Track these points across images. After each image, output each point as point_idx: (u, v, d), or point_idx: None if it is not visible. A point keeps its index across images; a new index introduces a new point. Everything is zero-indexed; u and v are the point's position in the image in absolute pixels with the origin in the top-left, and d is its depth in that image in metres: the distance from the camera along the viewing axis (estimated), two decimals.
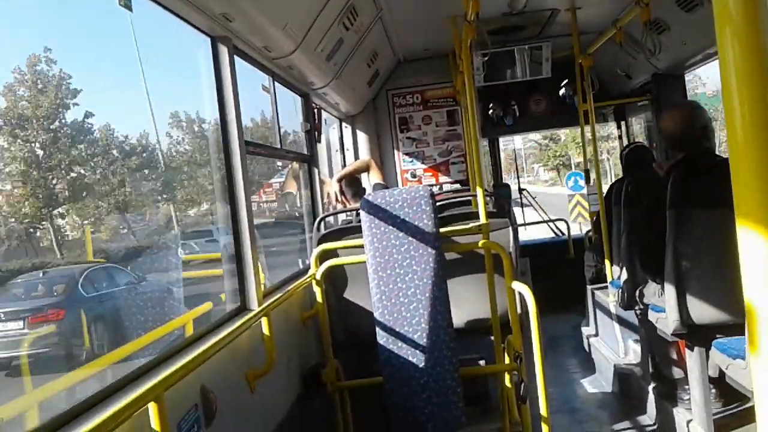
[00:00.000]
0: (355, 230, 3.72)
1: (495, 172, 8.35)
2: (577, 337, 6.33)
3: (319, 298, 3.58)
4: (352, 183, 4.90)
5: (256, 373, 2.75)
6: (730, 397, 3.60)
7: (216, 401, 2.31)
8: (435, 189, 6.63)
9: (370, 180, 5.14)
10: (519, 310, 3.43)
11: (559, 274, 7.00)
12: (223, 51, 3.13)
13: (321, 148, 5.48)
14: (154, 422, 1.79)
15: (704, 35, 5.04)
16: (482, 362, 3.66)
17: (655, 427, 4.19)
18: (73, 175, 16.67)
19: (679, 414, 3.77)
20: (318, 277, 3.58)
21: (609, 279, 5.34)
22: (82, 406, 1.83)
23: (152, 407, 1.79)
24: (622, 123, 8.11)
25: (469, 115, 3.90)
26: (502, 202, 4.19)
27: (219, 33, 3.10)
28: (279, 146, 4.41)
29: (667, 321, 3.38)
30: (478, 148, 4.17)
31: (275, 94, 4.30)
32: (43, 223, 15.74)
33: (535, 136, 36.85)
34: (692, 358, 3.43)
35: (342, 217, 5.03)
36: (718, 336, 3.23)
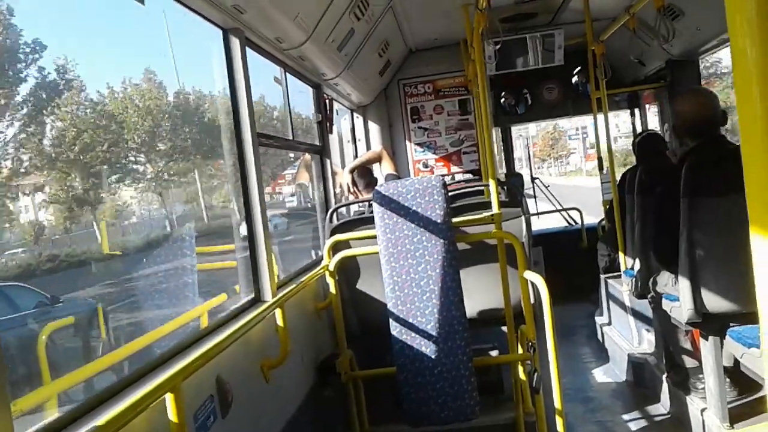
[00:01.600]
0: (367, 221, 3.73)
1: (507, 162, 8.31)
2: (590, 327, 6.32)
3: (332, 289, 3.59)
4: (364, 174, 4.90)
5: (270, 364, 2.77)
6: (744, 386, 3.58)
7: (231, 391, 2.33)
8: (447, 179, 6.62)
9: (382, 170, 5.14)
10: (532, 300, 3.43)
11: (573, 263, 6.98)
12: (235, 43, 3.14)
13: (333, 138, 5.49)
14: (171, 412, 1.81)
15: (718, 20, 4.99)
16: (495, 352, 3.67)
17: (669, 416, 4.18)
18: None
19: (693, 403, 3.77)
20: (331, 268, 3.59)
21: (622, 268, 5.32)
22: (101, 397, 1.86)
23: (169, 397, 1.81)
24: (636, 110, 8.05)
25: (481, 103, 3.88)
26: (514, 191, 4.18)
27: (231, 25, 3.11)
28: (291, 137, 4.43)
29: (680, 310, 3.36)
30: (491, 137, 4.16)
31: (287, 85, 4.31)
32: None
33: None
34: (706, 347, 3.42)
35: (354, 208, 5.03)
36: (732, 325, 3.22)
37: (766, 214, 0.88)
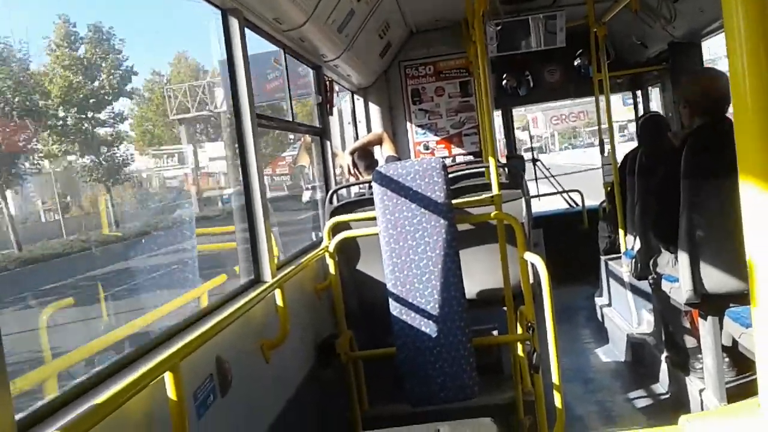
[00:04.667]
0: (367, 203, 3.73)
1: (508, 143, 8.29)
2: (590, 308, 6.34)
3: (332, 270, 3.60)
4: (364, 155, 4.89)
5: (270, 344, 2.78)
6: (742, 366, 3.61)
7: (231, 371, 2.35)
8: (448, 161, 6.61)
9: (382, 152, 5.13)
10: (531, 281, 3.44)
11: (573, 245, 6.99)
12: (234, 23, 3.12)
13: (333, 120, 5.47)
14: (171, 391, 1.83)
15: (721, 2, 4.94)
16: (495, 332, 3.69)
17: (668, 396, 4.21)
18: None
19: (692, 383, 3.79)
20: (331, 249, 3.60)
21: (623, 249, 5.33)
22: (100, 375, 1.87)
23: (168, 376, 1.82)
24: (638, 93, 8.01)
25: (482, 85, 3.87)
26: (514, 172, 4.17)
27: (229, 5, 3.09)
28: (291, 119, 4.41)
29: (680, 290, 3.38)
30: (491, 119, 4.14)
31: (287, 67, 4.29)
32: None
33: None
34: (705, 327, 3.44)
35: (355, 189, 5.04)
36: (731, 305, 3.23)
37: (755, 181, 0.90)
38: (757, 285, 0.94)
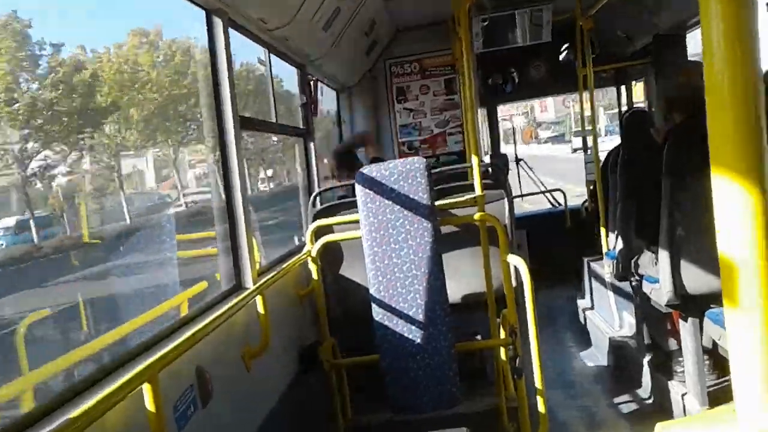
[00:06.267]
0: (350, 205, 3.70)
1: (493, 142, 8.27)
2: (573, 310, 6.34)
3: (314, 275, 3.56)
4: (347, 158, 4.86)
5: (251, 353, 2.75)
6: (724, 368, 3.61)
7: (212, 381, 2.32)
8: (431, 161, 6.58)
9: (366, 154, 5.10)
10: (514, 284, 3.42)
11: (556, 246, 6.99)
12: (218, 24, 3.07)
13: (317, 121, 5.42)
14: (149, 403, 1.79)
15: None
16: (479, 337, 3.67)
17: (650, 400, 4.21)
18: None
19: (674, 387, 3.80)
20: (314, 254, 3.56)
21: (604, 249, 5.32)
22: (74, 389, 1.84)
23: (147, 388, 1.79)
24: (623, 88, 8.00)
25: (466, 81, 3.83)
26: (498, 172, 4.15)
27: (214, 5, 3.04)
28: (274, 120, 4.37)
29: (660, 292, 3.37)
30: (474, 116, 4.11)
31: (271, 66, 4.25)
32: None
33: None
34: (686, 328, 3.44)
35: (340, 192, 5.00)
36: (711, 306, 3.23)
37: (728, 176, 0.92)
38: (731, 284, 0.94)
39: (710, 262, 3.07)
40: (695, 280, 3.19)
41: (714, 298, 3.20)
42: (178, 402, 2.10)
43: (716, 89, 0.94)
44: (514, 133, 12.93)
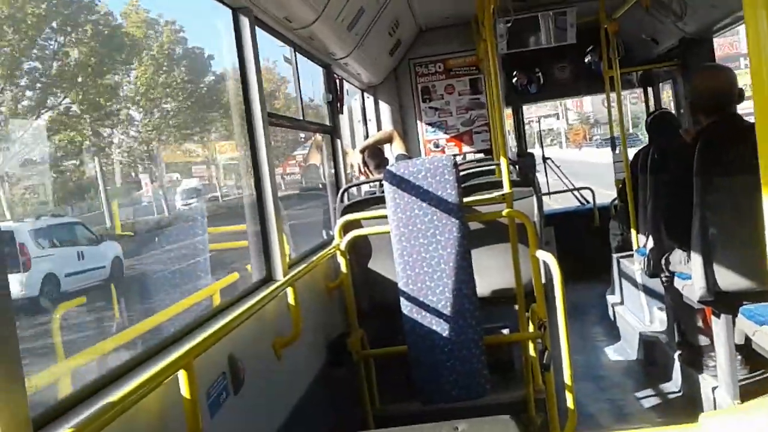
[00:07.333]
0: (378, 201, 3.73)
1: (519, 141, 8.26)
2: (602, 306, 6.32)
3: (343, 268, 3.60)
4: (375, 154, 4.89)
5: (282, 342, 2.79)
6: (756, 363, 3.58)
7: (243, 369, 2.35)
8: (458, 159, 6.59)
9: (392, 151, 5.13)
10: (543, 279, 3.43)
11: (585, 243, 6.96)
12: (245, 22, 3.13)
13: (343, 119, 5.47)
14: (184, 389, 1.84)
15: None
16: (506, 331, 3.68)
17: (680, 394, 4.18)
18: None
19: (705, 381, 3.77)
20: (342, 247, 3.60)
21: (635, 247, 5.30)
22: (114, 373, 1.88)
23: (182, 374, 1.83)
24: (649, 89, 7.96)
25: (492, 83, 3.85)
26: (525, 170, 4.16)
27: (240, 4, 3.10)
28: (302, 117, 4.42)
29: (693, 288, 3.36)
30: (502, 117, 4.14)
31: (297, 65, 4.30)
32: None
33: None
34: (718, 325, 3.42)
35: (365, 188, 5.04)
36: (744, 303, 3.21)
37: None
38: None
39: (744, 260, 3.06)
40: (729, 278, 3.18)
41: (748, 295, 3.19)
42: (211, 389, 2.14)
43: (763, 88, 0.92)
44: (541, 134, 12.90)
